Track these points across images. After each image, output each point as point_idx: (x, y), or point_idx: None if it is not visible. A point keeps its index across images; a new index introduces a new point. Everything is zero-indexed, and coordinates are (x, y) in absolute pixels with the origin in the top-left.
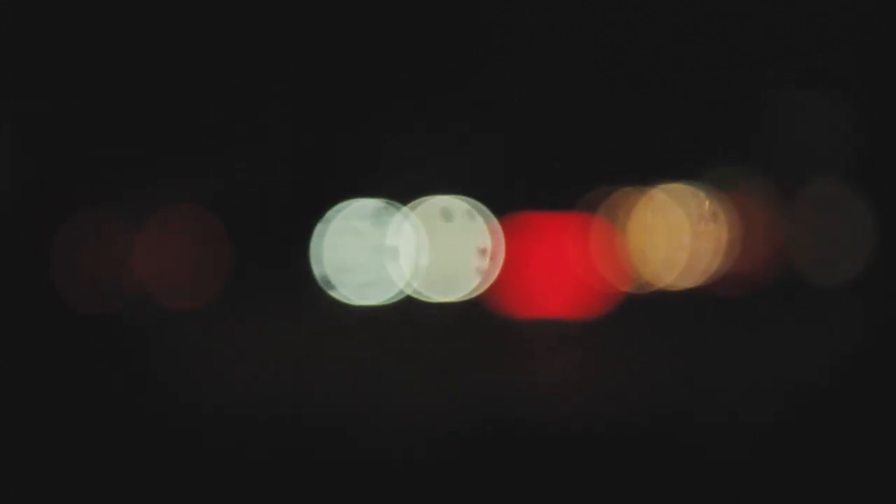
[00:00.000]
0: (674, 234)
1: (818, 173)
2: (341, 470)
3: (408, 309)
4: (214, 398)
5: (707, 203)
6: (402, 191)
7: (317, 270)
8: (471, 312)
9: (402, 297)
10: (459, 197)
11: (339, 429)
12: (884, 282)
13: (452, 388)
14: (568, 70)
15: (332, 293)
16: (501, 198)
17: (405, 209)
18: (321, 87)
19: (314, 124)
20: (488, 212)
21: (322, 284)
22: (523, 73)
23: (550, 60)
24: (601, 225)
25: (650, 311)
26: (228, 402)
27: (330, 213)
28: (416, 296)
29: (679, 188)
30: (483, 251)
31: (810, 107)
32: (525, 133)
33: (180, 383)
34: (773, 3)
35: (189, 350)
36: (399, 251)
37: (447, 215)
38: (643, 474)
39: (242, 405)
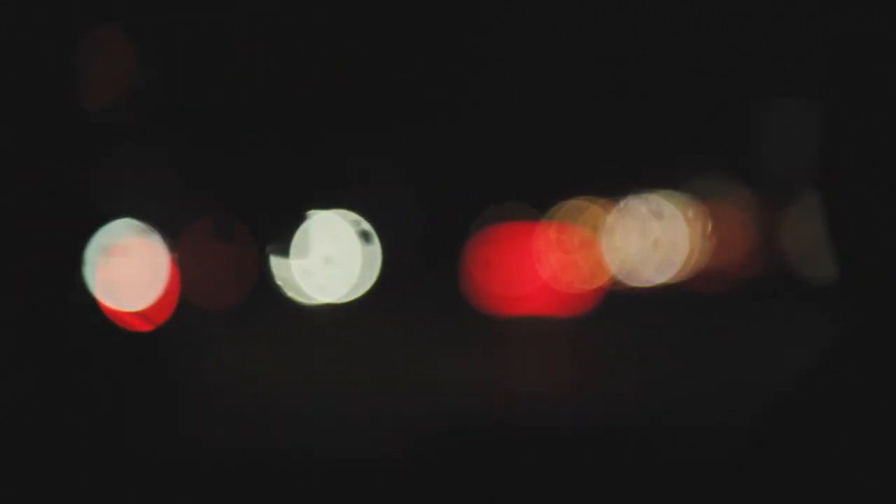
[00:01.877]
0: (651, 237)
1: (798, 179)
2: (331, 470)
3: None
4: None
5: (690, 210)
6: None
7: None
8: (459, 311)
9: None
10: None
11: (330, 429)
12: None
13: (446, 383)
14: (552, 84)
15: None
16: (490, 207)
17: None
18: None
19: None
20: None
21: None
22: (508, 87)
23: (537, 73)
24: (580, 232)
25: (629, 307)
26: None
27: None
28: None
29: (658, 197)
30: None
31: (787, 115)
32: (504, 145)
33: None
34: (754, 18)
35: (214, 345)
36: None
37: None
38: (633, 473)
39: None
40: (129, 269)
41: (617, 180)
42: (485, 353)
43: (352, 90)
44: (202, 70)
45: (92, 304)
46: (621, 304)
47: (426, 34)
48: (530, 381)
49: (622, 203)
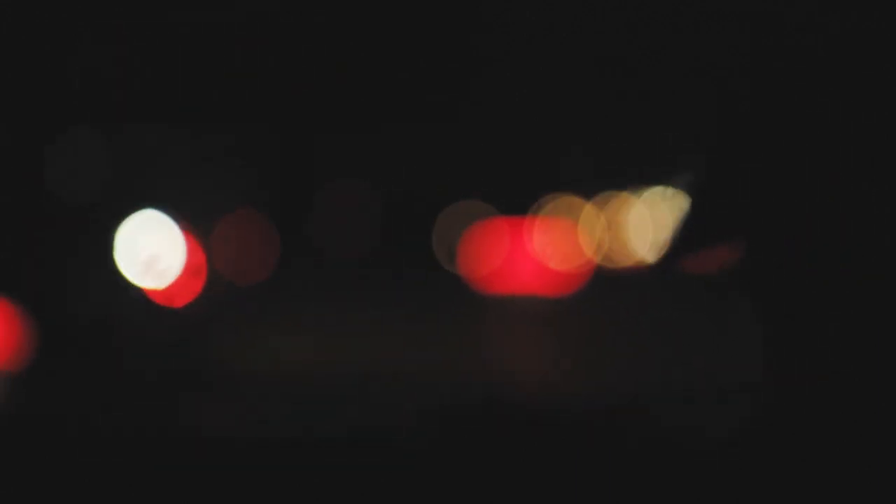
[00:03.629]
0: (643, 222)
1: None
2: (328, 454)
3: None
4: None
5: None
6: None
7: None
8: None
9: None
10: None
11: (327, 411)
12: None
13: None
14: (549, 84)
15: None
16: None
17: None
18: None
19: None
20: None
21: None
22: (506, 87)
23: (534, 74)
24: (571, 219)
25: (621, 286)
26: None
27: None
28: None
29: (652, 191)
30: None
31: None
32: (500, 143)
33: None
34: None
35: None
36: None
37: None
38: (631, 456)
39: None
40: (160, 250)
41: (611, 178)
42: (477, 331)
43: (351, 90)
44: (201, 70)
45: (126, 284)
46: (613, 283)
47: (426, 34)
48: (523, 360)
49: (617, 197)
